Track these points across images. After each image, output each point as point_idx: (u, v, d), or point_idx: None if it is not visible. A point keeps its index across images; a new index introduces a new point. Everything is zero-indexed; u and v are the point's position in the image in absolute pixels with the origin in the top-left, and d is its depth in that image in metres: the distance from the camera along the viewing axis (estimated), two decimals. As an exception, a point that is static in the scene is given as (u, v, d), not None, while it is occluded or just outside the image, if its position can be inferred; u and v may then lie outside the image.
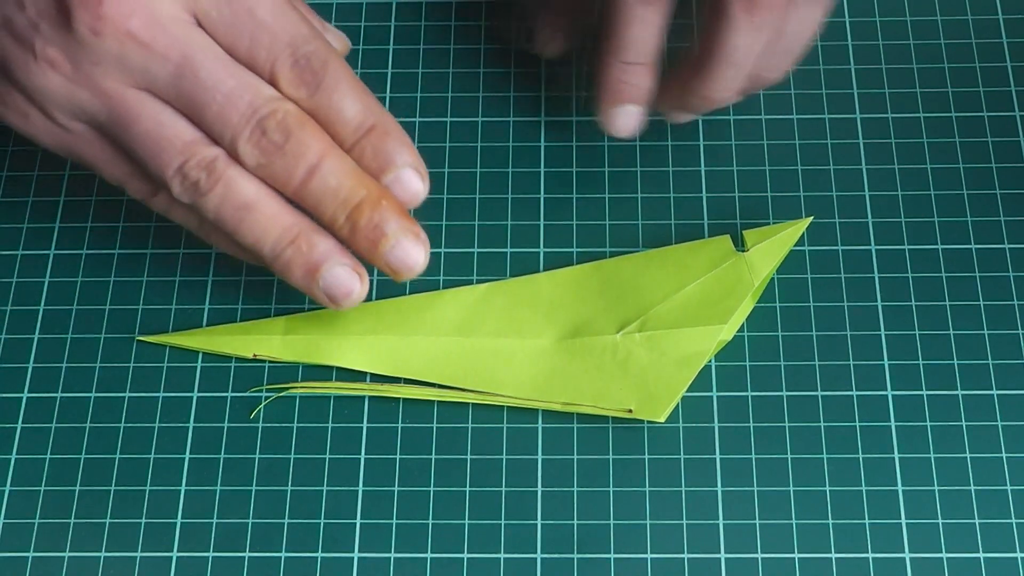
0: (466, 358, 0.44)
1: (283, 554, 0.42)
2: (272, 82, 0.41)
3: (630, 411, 0.43)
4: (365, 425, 0.44)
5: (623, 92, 0.45)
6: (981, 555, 0.41)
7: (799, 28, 0.44)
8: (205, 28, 0.40)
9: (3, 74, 0.41)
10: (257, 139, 0.40)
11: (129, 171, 0.42)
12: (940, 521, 0.42)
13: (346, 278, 0.42)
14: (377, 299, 0.46)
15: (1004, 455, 0.43)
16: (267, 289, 0.47)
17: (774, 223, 0.47)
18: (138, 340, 0.45)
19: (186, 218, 0.44)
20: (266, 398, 0.44)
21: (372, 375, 0.45)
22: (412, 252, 0.42)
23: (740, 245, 0.46)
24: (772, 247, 0.45)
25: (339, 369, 0.45)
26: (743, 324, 0.45)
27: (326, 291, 0.42)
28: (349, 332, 0.45)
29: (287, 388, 0.44)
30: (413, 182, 0.42)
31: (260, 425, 0.44)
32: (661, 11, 0.43)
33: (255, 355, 0.45)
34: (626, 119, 0.45)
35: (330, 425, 0.44)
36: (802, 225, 0.46)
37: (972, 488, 0.42)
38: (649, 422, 0.43)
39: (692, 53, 0.45)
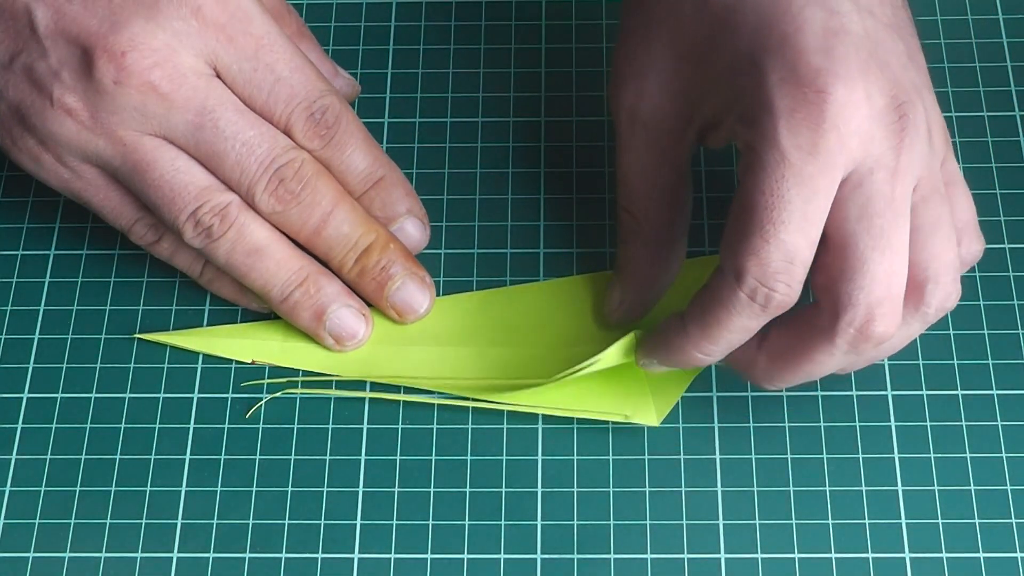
0: (464, 368, 0.44)
1: (283, 555, 0.42)
2: (286, 133, 0.42)
3: (627, 415, 0.43)
4: (365, 426, 0.44)
5: (685, 362, 0.40)
6: (981, 555, 0.41)
7: (896, 343, 0.40)
8: (224, 80, 0.41)
9: (18, 119, 0.41)
10: (274, 187, 0.41)
11: (135, 217, 0.43)
12: (940, 521, 0.42)
13: (352, 320, 0.44)
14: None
15: (1004, 455, 0.43)
16: (267, 289, 0.47)
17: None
18: (137, 338, 0.45)
19: (190, 264, 0.45)
20: (264, 399, 0.44)
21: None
22: (417, 295, 0.44)
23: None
24: None
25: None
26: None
27: (332, 332, 0.44)
28: None
29: (285, 389, 0.44)
30: (416, 232, 0.45)
31: (260, 426, 0.44)
32: (763, 323, 0.38)
33: (254, 360, 0.45)
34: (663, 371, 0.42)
35: (330, 426, 0.44)
36: None
37: (972, 488, 0.42)
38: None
39: (776, 342, 0.40)
